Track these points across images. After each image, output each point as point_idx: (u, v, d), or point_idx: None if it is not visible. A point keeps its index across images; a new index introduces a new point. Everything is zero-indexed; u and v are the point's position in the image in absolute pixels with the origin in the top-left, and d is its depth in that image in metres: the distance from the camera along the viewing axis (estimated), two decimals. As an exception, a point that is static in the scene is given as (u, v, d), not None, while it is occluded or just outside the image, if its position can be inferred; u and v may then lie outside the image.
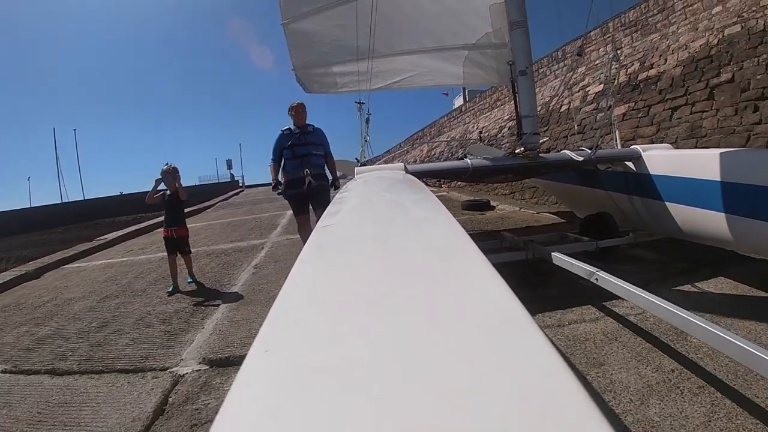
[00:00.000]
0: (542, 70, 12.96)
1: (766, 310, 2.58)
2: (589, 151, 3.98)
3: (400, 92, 5.25)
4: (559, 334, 2.54)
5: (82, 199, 37.12)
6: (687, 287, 3.07)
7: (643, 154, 3.83)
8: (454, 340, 0.54)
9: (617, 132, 4.59)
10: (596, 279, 2.53)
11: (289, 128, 4.59)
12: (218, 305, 3.79)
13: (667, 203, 3.50)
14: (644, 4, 9.66)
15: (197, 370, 2.57)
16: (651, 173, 3.68)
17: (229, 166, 40.90)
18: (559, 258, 3.03)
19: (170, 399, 2.27)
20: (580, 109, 9.47)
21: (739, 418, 1.65)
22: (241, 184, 33.09)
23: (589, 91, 9.66)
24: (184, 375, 2.51)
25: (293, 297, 0.74)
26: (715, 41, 7.16)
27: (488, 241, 4.04)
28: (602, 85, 9.19)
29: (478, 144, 11.59)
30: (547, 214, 7.03)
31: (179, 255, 4.66)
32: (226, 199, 19.25)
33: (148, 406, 2.20)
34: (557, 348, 0.52)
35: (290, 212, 9.77)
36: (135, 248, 7.69)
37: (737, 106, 5.96)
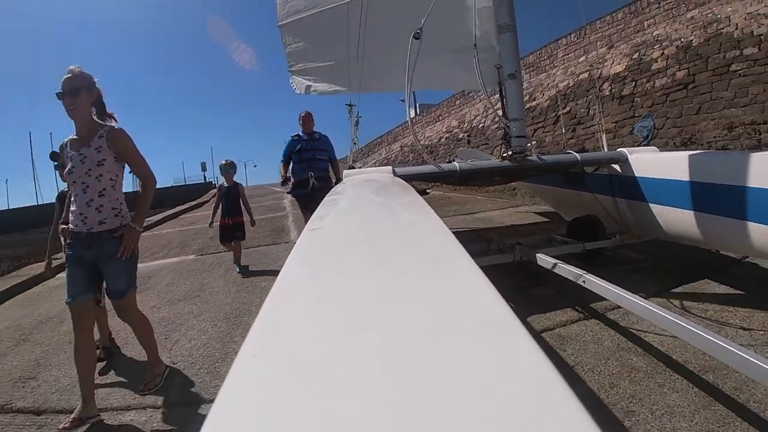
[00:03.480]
0: (471, 94, 16.70)
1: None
2: (577, 154, 4.07)
3: (367, 97, 5.62)
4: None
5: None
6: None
7: (629, 156, 3.87)
8: (443, 342, 0.55)
9: (604, 135, 4.76)
10: (583, 281, 2.53)
11: (299, 135, 5.10)
12: (289, 229, 7.33)
13: (652, 205, 3.52)
14: (539, 51, 13.63)
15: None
16: (637, 176, 3.72)
17: (204, 169, 43.36)
18: (546, 260, 3.03)
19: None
20: (489, 127, 13.36)
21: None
22: (215, 186, 35.82)
23: (500, 113, 13.60)
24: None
25: (281, 302, 0.75)
26: (572, 83, 11.00)
27: (476, 243, 4.15)
28: (506, 109, 13.10)
29: (466, 148, 13.14)
30: (460, 195, 11.05)
31: (233, 242, 5.17)
32: (214, 196, 22.55)
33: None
34: (545, 349, 0.61)
35: (286, 200, 13.16)
36: (185, 224, 10.96)
37: (566, 127, 10.02)
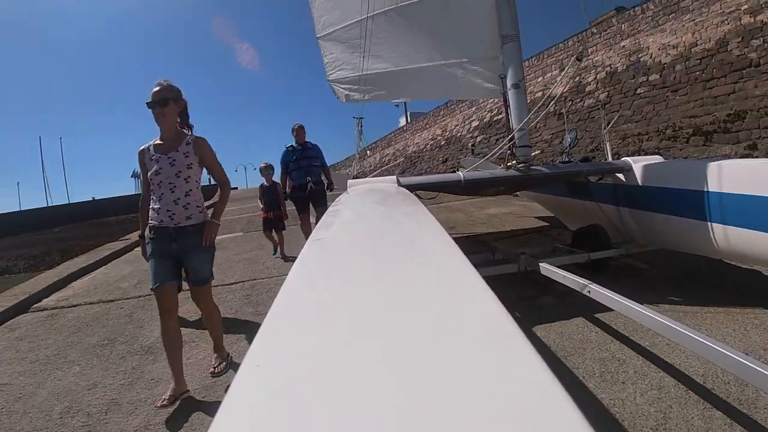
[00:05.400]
0: (453, 107, 18.77)
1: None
2: (581, 164, 4.01)
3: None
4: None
5: (67, 203, 38.19)
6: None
7: (633, 165, 3.83)
8: (445, 351, 0.56)
9: (608, 145, 4.71)
10: (589, 291, 2.53)
11: (292, 145, 5.64)
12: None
13: (657, 214, 3.49)
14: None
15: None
16: (641, 184, 3.70)
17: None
18: (551, 270, 3.01)
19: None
20: (465, 135, 15.96)
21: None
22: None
23: (473, 124, 16.33)
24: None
25: (285, 311, 0.76)
26: (540, 94, 13.15)
27: (480, 253, 4.14)
28: (478, 121, 15.76)
29: (470, 157, 13.82)
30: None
31: (274, 231, 5.95)
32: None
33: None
34: (548, 358, 0.54)
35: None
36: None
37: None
